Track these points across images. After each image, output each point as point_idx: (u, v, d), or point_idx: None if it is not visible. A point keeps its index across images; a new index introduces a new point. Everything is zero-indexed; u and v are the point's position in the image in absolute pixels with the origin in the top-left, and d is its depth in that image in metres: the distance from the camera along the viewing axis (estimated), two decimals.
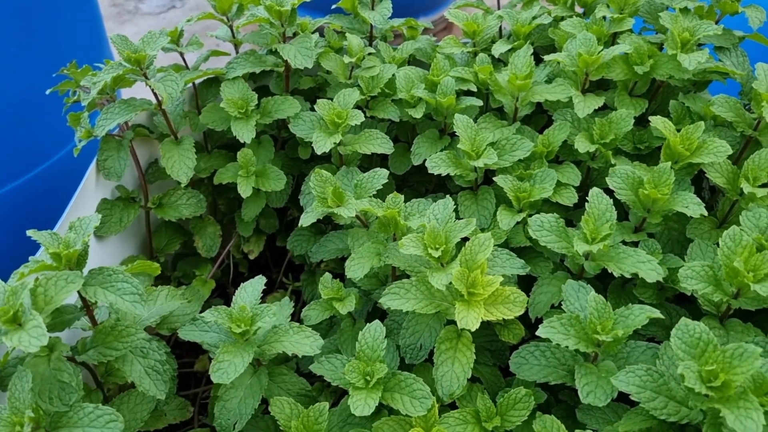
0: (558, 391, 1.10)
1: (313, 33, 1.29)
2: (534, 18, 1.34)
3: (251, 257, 1.51)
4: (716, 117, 1.19)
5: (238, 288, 1.05)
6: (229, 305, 1.57)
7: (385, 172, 1.18)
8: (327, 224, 1.48)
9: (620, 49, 1.16)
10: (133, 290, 0.89)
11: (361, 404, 0.96)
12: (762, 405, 0.77)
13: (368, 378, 0.99)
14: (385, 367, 0.99)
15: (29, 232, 0.91)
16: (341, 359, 1.06)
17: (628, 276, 1.01)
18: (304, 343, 1.00)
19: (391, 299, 1.02)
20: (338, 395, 1.27)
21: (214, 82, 1.42)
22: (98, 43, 1.71)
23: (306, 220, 1.17)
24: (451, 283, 0.97)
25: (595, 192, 1.06)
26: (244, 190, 1.28)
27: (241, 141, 1.25)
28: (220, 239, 1.45)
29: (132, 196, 1.34)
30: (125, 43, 1.17)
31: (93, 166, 1.26)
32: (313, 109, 1.33)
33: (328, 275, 1.17)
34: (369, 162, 1.42)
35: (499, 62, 1.39)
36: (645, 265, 1.01)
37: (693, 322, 0.86)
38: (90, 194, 1.25)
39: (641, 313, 0.93)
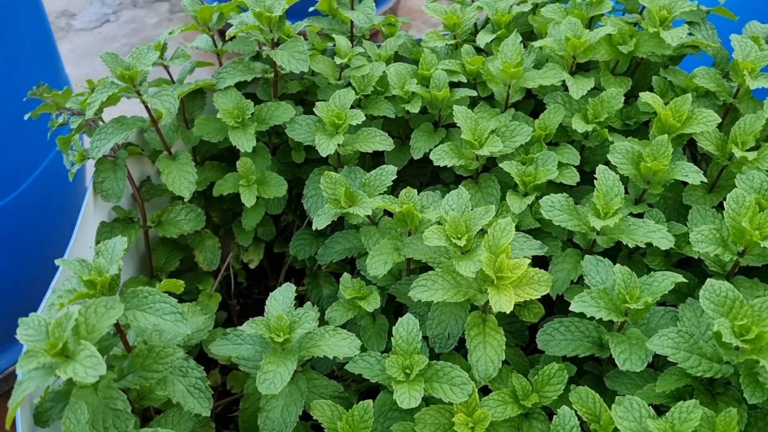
0: (582, 364, 1.15)
1: None
2: (512, 6, 1.38)
3: (252, 266, 1.49)
4: (698, 88, 1.25)
5: (268, 298, 1.04)
6: (231, 318, 1.59)
7: (392, 168, 1.20)
8: (327, 226, 1.48)
9: (605, 31, 1.21)
10: (173, 309, 0.88)
11: (407, 397, 0.98)
12: None
13: (408, 371, 1.01)
14: (425, 359, 1.00)
15: (58, 262, 0.89)
16: (375, 356, 1.07)
17: (641, 245, 1.07)
18: (342, 345, 1.01)
19: (419, 291, 1.04)
20: (361, 395, 1.28)
21: (199, 94, 1.41)
22: (52, 62, 1.65)
23: (320, 222, 1.17)
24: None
25: (601, 169, 1.10)
26: (248, 200, 1.27)
27: (242, 150, 1.24)
28: (220, 252, 1.43)
29: (130, 216, 1.31)
30: (116, 61, 1.14)
31: (90, 189, 1.23)
32: (306, 113, 1.34)
33: (346, 275, 1.18)
34: (362, 161, 1.43)
35: (481, 52, 1.42)
36: (656, 234, 1.07)
37: (718, 282, 0.92)
38: (91, 218, 1.22)
39: (664, 279, 0.98)
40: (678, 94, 1.26)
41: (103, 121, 1.28)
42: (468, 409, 1.02)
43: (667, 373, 0.97)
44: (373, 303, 1.13)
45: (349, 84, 1.34)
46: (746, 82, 1.16)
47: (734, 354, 0.89)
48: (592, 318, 1.11)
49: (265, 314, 1.02)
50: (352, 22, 1.44)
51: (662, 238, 1.05)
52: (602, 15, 1.30)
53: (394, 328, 1.04)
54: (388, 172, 1.19)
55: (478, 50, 1.42)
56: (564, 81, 1.22)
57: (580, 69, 1.34)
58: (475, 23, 1.52)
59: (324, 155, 1.20)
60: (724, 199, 1.20)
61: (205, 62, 1.40)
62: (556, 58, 1.28)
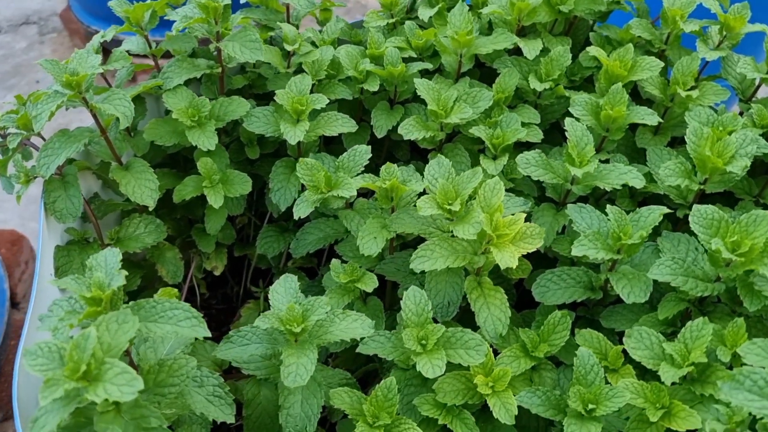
0: (574, 309, 1.19)
1: None
2: None
3: (217, 273, 1.43)
4: (633, 39, 1.33)
5: (270, 293, 1.00)
6: None
7: (366, 147, 1.18)
8: (287, 220, 1.45)
9: None
10: (187, 314, 0.83)
11: (430, 367, 0.97)
12: None
13: (423, 342, 1.00)
14: (441, 326, 1.00)
15: (51, 282, 0.81)
16: (383, 334, 1.06)
17: (617, 188, 1.12)
18: (355, 327, 0.99)
19: (420, 262, 1.04)
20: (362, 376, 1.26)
21: (138, 100, 1.32)
22: None
23: (301, 210, 1.14)
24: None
25: (569, 121, 1.15)
26: (215, 200, 1.22)
27: (204, 148, 1.18)
28: (182, 262, 1.36)
29: (85, 236, 1.21)
30: (58, 67, 1.05)
31: (42, 212, 1.12)
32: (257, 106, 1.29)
33: (336, 261, 1.15)
34: (317, 148, 1.41)
35: (420, 27, 1.43)
36: (628, 175, 1.12)
37: (704, 206, 0.98)
38: (48, 244, 1.12)
39: (651, 213, 1.04)
40: (615, 47, 1.33)
41: (43, 138, 1.18)
42: (485, 369, 1.03)
43: (666, 300, 1.03)
44: (370, 283, 1.11)
45: (299, 71, 1.31)
46: (679, 26, 1.24)
47: (727, 270, 0.96)
48: (580, 264, 1.17)
49: (271, 309, 0.98)
50: (288, 10, 1.41)
51: (635, 178, 1.11)
52: None
53: (402, 302, 1.03)
54: (362, 152, 1.18)
55: (419, 27, 1.44)
56: (512, 45, 1.26)
57: (519, 34, 1.39)
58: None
59: (293, 143, 1.17)
60: (673, 137, 1.30)
61: (144, 65, 1.32)
62: (500, 24, 1.32)
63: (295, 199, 1.27)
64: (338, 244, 1.27)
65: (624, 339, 1.00)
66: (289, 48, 1.28)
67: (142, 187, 1.16)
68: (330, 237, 1.29)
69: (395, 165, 1.13)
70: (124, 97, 1.08)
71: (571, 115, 1.32)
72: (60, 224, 1.17)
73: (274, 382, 1.10)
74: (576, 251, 1.01)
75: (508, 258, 1.00)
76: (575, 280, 1.13)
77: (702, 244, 1.05)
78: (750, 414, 0.83)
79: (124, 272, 0.81)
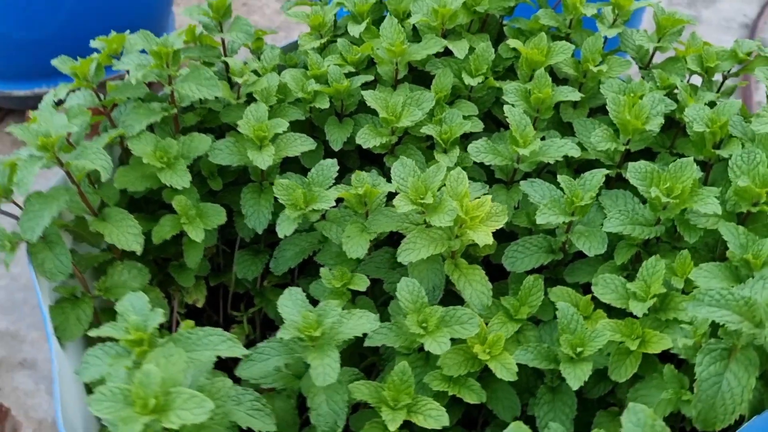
0: (539, 272, 1.34)
1: None
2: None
3: (199, 305, 1.47)
4: (542, 28, 1.50)
5: (280, 308, 1.07)
6: None
7: (332, 161, 1.28)
8: (257, 243, 1.51)
9: None
10: (223, 338, 0.90)
11: (436, 345, 1.08)
12: (710, 193, 1.09)
13: (424, 325, 1.11)
14: (438, 307, 1.11)
15: (92, 332, 0.85)
16: (385, 326, 1.16)
17: (558, 160, 1.28)
18: (363, 323, 1.08)
19: (407, 255, 1.15)
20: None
21: None
22: None
23: (285, 229, 1.22)
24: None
25: (508, 108, 1.29)
26: (197, 235, 1.27)
27: (180, 187, 1.24)
28: (165, 301, 1.39)
29: (73, 293, 1.23)
30: (29, 131, 1.08)
31: (33, 276, 1.14)
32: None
33: (324, 270, 1.24)
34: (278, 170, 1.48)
35: (351, 43, 1.54)
36: (566, 147, 1.28)
37: (637, 163, 1.15)
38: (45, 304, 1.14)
39: (594, 176, 1.19)
40: (527, 37, 1.49)
41: (14, 203, 1.19)
42: (480, 339, 1.15)
43: (619, 248, 1.19)
44: (362, 283, 1.21)
45: (249, 100, 1.39)
46: (580, 11, 1.42)
47: (664, 213, 1.13)
48: (537, 233, 1.31)
49: (285, 322, 1.05)
50: (224, 44, 1.48)
51: (572, 148, 1.27)
52: None
53: (397, 293, 1.14)
54: (329, 166, 1.27)
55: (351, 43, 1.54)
56: (442, 49, 1.39)
57: (442, 37, 1.52)
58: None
59: (264, 168, 1.25)
60: (590, 108, 1.47)
61: (100, 115, 1.34)
62: (425, 30, 1.44)
63: (269, 221, 1.36)
64: (317, 254, 1.35)
65: (592, 288, 1.15)
66: (238, 80, 1.35)
67: (126, 234, 1.20)
68: (306, 250, 1.37)
69: (363, 172, 1.23)
70: (98, 150, 1.12)
71: (503, 103, 1.48)
72: (49, 284, 1.19)
73: (287, 392, 1.18)
74: (540, 220, 1.15)
75: (483, 237, 1.12)
76: (537, 247, 1.28)
77: (638, 196, 1.23)
78: (710, 326, 1.00)
79: (161, 310, 0.87)
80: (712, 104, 1.32)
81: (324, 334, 1.02)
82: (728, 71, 1.40)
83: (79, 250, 1.33)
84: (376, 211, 1.24)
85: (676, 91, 1.38)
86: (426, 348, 1.08)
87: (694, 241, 1.12)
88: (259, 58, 1.48)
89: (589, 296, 1.19)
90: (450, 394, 1.14)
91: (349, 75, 1.44)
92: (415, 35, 1.52)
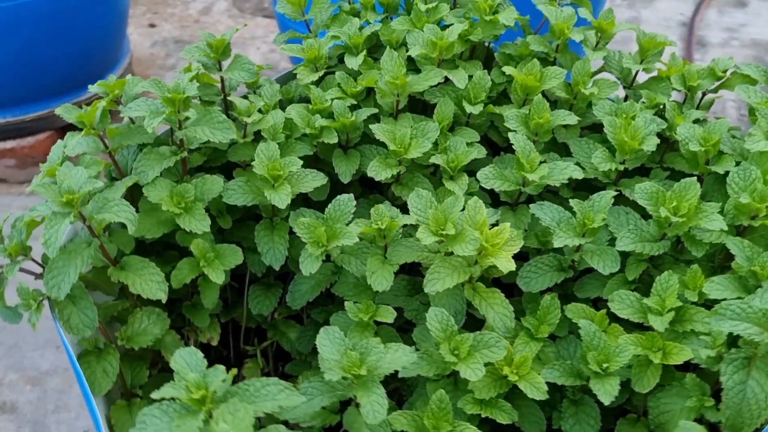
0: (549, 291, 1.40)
1: None
2: (361, 29, 1.55)
3: (214, 343, 1.47)
4: (530, 53, 1.56)
5: (319, 347, 1.09)
6: None
7: (349, 196, 1.30)
8: (266, 277, 1.52)
9: (459, 29, 1.45)
10: (280, 387, 0.92)
11: (470, 372, 1.12)
12: (713, 209, 1.17)
13: (456, 352, 1.15)
14: (469, 335, 1.15)
15: (155, 393, 0.86)
16: (419, 356, 1.19)
17: (563, 182, 1.34)
18: (400, 356, 1.11)
19: (434, 285, 1.18)
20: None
21: None
22: None
23: (310, 267, 1.23)
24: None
25: (513, 136, 1.35)
26: (218, 277, 1.27)
27: (199, 232, 1.24)
28: (182, 343, 1.39)
29: (96, 344, 1.22)
30: (52, 189, 1.06)
31: (62, 333, 1.12)
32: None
33: (349, 303, 1.27)
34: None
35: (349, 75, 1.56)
36: (569, 169, 1.34)
37: (644, 184, 1.22)
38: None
39: (602, 197, 1.26)
40: (517, 62, 1.55)
41: (32, 259, 1.17)
42: (507, 360, 1.20)
43: (630, 264, 1.26)
44: (388, 314, 1.24)
45: (257, 139, 1.40)
46: (567, 35, 1.49)
47: (670, 229, 1.20)
48: (548, 252, 1.37)
49: (326, 361, 1.07)
50: (222, 82, 1.48)
51: (575, 170, 1.33)
52: (440, 17, 1.54)
53: (427, 323, 1.17)
54: (347, 201, 1.29)
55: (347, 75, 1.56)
56: (442, 79, 1.43)
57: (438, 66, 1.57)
58: None
59: (283, 207, 1.26)
60: (581, 128, 1.54)
61: (105, 162, 1.33)
62: (423, 61, 1.49)
63: (286, 256, 1.37)
64: (334, 286, 1.38)
65: (609, 304, 1.22)
66: (246, 119, 1.36)
67: (150, 282, 1.19)
68: (322, 282, 1.39)
69: (381, 206, 1.26)
70: (121, 202, 1.11)
71: (497, 127, 1.54)
72: (72, 338, 1.17)
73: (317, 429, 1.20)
74: (558, 243, 1.21)
75: (506, 263, 1.17)
76: (549, 266, 1.33)
77: (637, 211, 1.30)
78: (728, 336, 1.07)
79: (221, 367, 0.88)
80: (696, 121, 1.41)
81: (369, 371, 1.05)
82: (708, 89, 1.49)
83: (94, 299, 1.31)
84: (395, 243, 1.27)
85: (662, 107, 1.46)
86: (462, 375, 1.12)
87: (701, 255, 1.19)
88: (254, 92, 1.49)
89: (603, 311, 1.25)
90: (483, 416, 1.18)
91: (351, 108, 1.47)
92: (409, 63, 1.56)
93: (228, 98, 1.40)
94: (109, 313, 1.27)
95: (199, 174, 1.38)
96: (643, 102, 1.46)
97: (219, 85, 1.50)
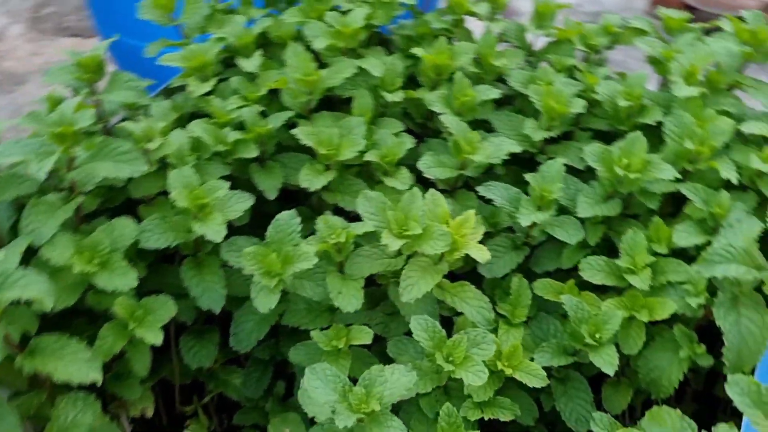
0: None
1: None
2: (249, 30, 1.38)
3: (149, 414, 1.24)
4: (431, 31, 1.49)
5: (309, 390, 0.94)
6: None
7: (289, 213, 1.14)
8: (195, 323, 1.31)
9: (363, 13, 1.33)
10: None
11: (472, 376, 1.03)
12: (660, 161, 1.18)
13: (451, 358, 1.05)
14: (460, 337, 1.06)
15: None
16: (414, 369, 1.07)
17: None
18: (401, 380, 0.97)
19: (410, 292, 1.08)
20: None
21: None
22: None
23: (268, 302, 1.07)
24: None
25: (446, 117, 1.27)
26: (155, 337, 1.07)
27: (124, 289, 1.02)
28: (114, 423, 1.15)
29: None
30: None
31: None
32: None
33: (316, 332, 1.12)
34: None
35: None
36: (507, 145, 1.28)
37: (591, 146, 1.20)
38: None
39: (553, 166, 1.22)
40: (418, 43, 1.48)
41: None
42: (496, 354, 1.13)
43: (590, 228, 1.24)
44: (366, 335, 1.11)
45: (162, 166, 1.19)
46: (466, 7, 1.44)
47: (621, 186, 1.20)
48: (499, 233, 1.31)
49: (325, 405, 0.93)
50: (99, 107, 1.24)
51: (511, 144, 1.28)
52: (333, 4, 1.42)
53: (414, 336, 1.06)
54: (289, 219, 1.13)
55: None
56: (356, 70, 1.32)
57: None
58: None
59: (219, 239, 1.08)
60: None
61: None
62: (327, 53, 1.36)
63: (225, 295, 1.19)
64: (284, 317, 1.22)
65: (580, 272, 1.19)
66: (146, 146, 1.15)
67: (76, 363, 0.96)
68: (270, 316, 1.22)
69: (332, 217, 1.13)
70: (27, 274, 0.88)
71: (407, 114, 1.46)
72: None
73: None
74: (525, 221, 1.16)
75: (479, 253, 1.10)
76: (506, 247, 1.28)
77: (575, 176, 1.29)
78: (707, 280, 1.09)
79: None
80: (607, 78, 1.43)
81: (382, 404, 0.92)
82: (606, 46, 1.52)
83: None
84: (352, 256, 1.14)
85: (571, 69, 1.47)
86: (466, 381, 1.03)
87: (654, 207, 1.20)
88: (143, 114, 1.27)
89: (571, 281, 1.22)
90: (486, 418, 1.10)
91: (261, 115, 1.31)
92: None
93: (116, 125, 1.17)
94: (25, 412, 1.01)
95: (99, 220, 1.15)
96: (553, 67, 1.45)
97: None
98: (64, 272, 1.01)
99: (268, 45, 1.44)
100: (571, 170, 1.29)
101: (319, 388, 0.95)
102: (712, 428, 0.94)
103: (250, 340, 1.22)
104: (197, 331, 1.30)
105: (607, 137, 1.46)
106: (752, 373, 1.05)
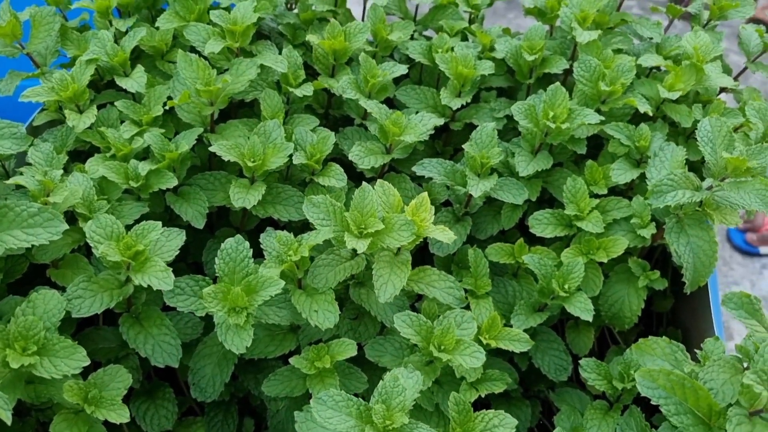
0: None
1: None
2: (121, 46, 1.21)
3: None
4: (314, 14, 1.41)
5: (320, 422, 0.86)
6: None
7: (236, 238, 1.03)
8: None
9: (250, 5, 1.22)
10: None
11: (470, 359, 1.01)
12: (582, 107, 1.21)
13: (443, 347, 1.02)
14: (449, 324, 1.03)
15: None
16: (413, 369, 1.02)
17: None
18: (412, 382, 0.94)
19: (386, 291, 1.03)
20: None
21: None
22: None
23: (239, 341, 0.96)
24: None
25: (367, 104, 1.21)
26: (121, 415, 0.92)
27: (74, 371, 0.86)
28: None
29: None
30: None
31: None
32: None
33: (297, 357, 1.03)
34: None
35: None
36: (429, 120, 1.25)
37: (517, 104, 1.21)
38: None
39: (484, 129, 1.21)
40: (306, 31, 1.39)
41: None
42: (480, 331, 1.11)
43: (530, 184, 1.25)
44: (350, 348, 1.04)
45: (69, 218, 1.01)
46: None
47: (550, 138, 1.23)
48: (439, 209, 1.29)
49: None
50: None
51: (431, 118, 1.25)
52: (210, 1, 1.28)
53: (402, 334, 1.01)
54: (236, 245, 1.02)
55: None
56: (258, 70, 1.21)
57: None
58: None
59: (169, 287, 0.94)
60: None
61: None
62: (217, 57, 1.23)
63: (180, 346, 1.05)
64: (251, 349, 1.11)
65: (531, 228, 1.21)
66: (49, 200, 0.97)
67: None
68: (229, 356, 1.11)
69: (283, 232, 1.04)
70: None
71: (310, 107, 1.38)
72: None
73: None
74: (476, 191, 1.14)
75: (443, 234, 1.06)
76: (450, 222, 1.26)
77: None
78: (649, 206, 1.14)
79: None
80: (500, 36, 1.44)
81: (406, 414, 0.87)
82: (487, 3, 1.52)
83: None
84: (311, 267, 1.06)
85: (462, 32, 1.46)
86: (466, 366, 1.00)
87: (583, 152, 1.24)
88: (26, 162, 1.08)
89: (520, 240, 1.23)
90: (484, 396, 1.09)
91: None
92: None
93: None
94: None
95: (5, 301, 0.96)
96: (444, 32, 1.43)
97: None
98: None
99: (138, 58, 1.28)
100: None
101: (333, 417, 0.88)
102: (702, 345, 1.01)
103: (214, 386, 1.10)
104: (146, 391, 1.15)
105: (506, 93, 1.49)
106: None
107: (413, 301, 1.22)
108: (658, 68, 1.37)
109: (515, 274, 1.28)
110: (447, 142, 1.44)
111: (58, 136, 1.16)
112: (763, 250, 2.89)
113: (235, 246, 1.03)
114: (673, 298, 1.41)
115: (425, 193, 1.08)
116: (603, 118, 1.19)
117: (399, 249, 1.08)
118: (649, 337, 1.03)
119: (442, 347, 1.02)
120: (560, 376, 1.22)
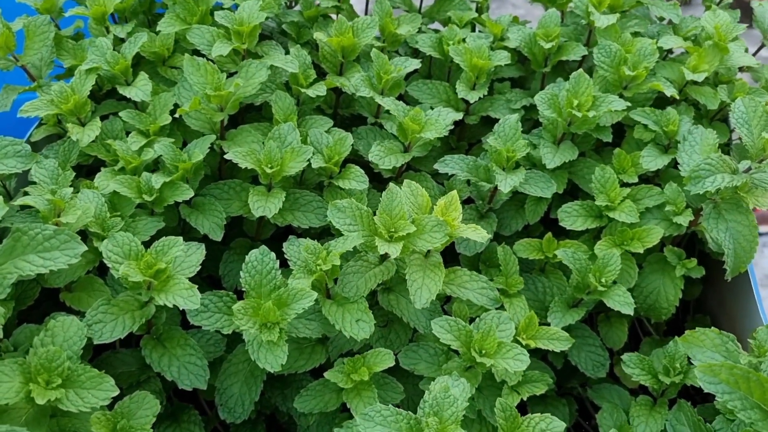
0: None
1: None
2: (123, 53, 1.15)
3: None
4: (319, 11, 1.35)
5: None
6: None
7: (260, 249, 0.97)
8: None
9: (256, 3, 1.16)
10: None
11: (514, 362, 0.96)
12: (607, 94, 1.17)
13: (484, 351, 0.97)
14: (489, 326, 0.98)
15: None
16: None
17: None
18: (460, 392, 0.89)
19: (421, 295, 0.98)
20: None
21: None
22: None
23: (275, 358, 0.91)
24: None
25: (386, 101, 1.16)
26: None
27: (99, 404, 0.80)
28: None
29: None
30: None
31: None
32: None
33: (332, 371, 0.98)
34: None
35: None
36: (449, 115, 1.20)
37: (541, 93, 1.16)
38: None
39: (507, 121, 1.17)
40: (312, 28, 1.34)
41: None
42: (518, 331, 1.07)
43: (557, 175, 1.21)
44: (387, 358, 0.99)
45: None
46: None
47: (574, 127, 1.18)
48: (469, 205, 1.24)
49: None
50: None
51: (450, 113, 1.20)
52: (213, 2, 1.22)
53: (441, 340, 0.97)
54: (262, 257, 0.96)
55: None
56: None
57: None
58: None
59: (195, 305, 0.89)
60: None
61: None
62: (224, 59, 1.17)
63: (207, 367, 0.99)
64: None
65: (560, 222, 1.16)
66: (58, 221, 0.90)
67: None
68: (257, 373, 1.05)
69: (309, 241, 0.98)
70: None
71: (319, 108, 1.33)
72: None
73: None
74: (505, 187, 1.10)
75: (476, 233, 1.02)
76: (475, 219, 1.22)
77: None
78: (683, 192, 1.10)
79: None
80: (512, 24, 1.39)
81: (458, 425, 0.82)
82: None
83: None
84: (341, 276, 1.01)
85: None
86: (511, 369, 0.96)
87: (608, 140, 1.20)
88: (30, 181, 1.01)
89: (549, 234, 1.19)
90: (526, 398, 1.05)
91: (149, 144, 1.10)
92: None
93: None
94: None
95: (20, 329, 0.90)
96: (456, 24, 1.39)
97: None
98: (15, 411, 0.77)
99: (138, 65, 1.22)
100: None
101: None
102: (752, 333, 0.97)
103: (244, 406, 1.04)
104: (170, 414, 1.09)
105: (518, 84, 1.45)
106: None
107: (442, 303, 1.17)
108: (670, 51, 1.34)
109: (542, 270, 1.24)
110: (461, 137, 1.40)
111: (60, 151, 1.10)
112: (763, 228, 2.88)
113: (260, 258, 0.97)
114: (701, 285, 1.38)
115: (455, 192, 1.04)
116: (629, 104, 1.15)
117: (429, 251, 1.04)
118: (697, 328, 0.99)
119: (484, 351, 0.98)
120: (598, 372, 1.18)
